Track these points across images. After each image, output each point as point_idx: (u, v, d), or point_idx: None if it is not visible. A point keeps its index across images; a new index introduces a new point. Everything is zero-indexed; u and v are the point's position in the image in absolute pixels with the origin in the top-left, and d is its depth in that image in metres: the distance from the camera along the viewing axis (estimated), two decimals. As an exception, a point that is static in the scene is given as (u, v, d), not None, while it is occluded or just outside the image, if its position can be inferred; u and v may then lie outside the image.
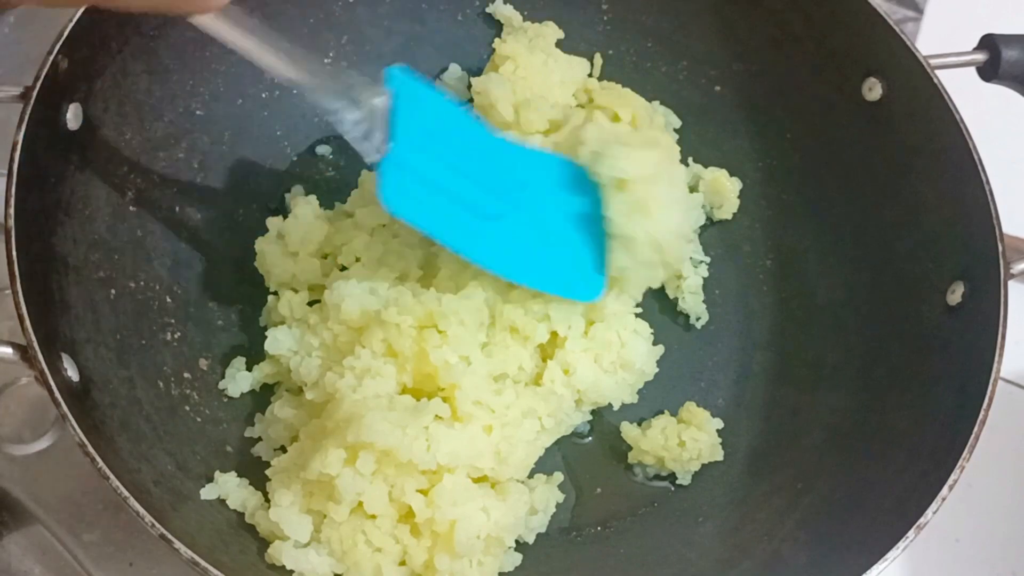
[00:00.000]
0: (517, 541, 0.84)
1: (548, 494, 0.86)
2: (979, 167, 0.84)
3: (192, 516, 0.77)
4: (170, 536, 0.67)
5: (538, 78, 0.97)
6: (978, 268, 0.83)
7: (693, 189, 1.02)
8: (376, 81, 0.80)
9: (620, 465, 0.92)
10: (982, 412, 0.76)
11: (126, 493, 0.68)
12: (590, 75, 1.02)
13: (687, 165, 1.02)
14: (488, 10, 1.05)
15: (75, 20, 0.78)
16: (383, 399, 0.79)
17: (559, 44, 1.03)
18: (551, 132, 0.95)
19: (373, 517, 0.77)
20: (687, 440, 0.88)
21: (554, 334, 0.87)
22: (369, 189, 0.92)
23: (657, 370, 0.92)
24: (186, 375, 0.87)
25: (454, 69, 1.04)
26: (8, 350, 0.70)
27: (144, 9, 0.68)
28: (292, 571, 0.77)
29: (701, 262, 0.99)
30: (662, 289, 0.98)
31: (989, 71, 0.90)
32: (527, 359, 0.86)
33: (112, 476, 0.68)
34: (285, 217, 0.91)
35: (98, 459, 0.68)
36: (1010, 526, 1.01)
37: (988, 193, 0.83)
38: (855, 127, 0.95)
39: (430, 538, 0.77)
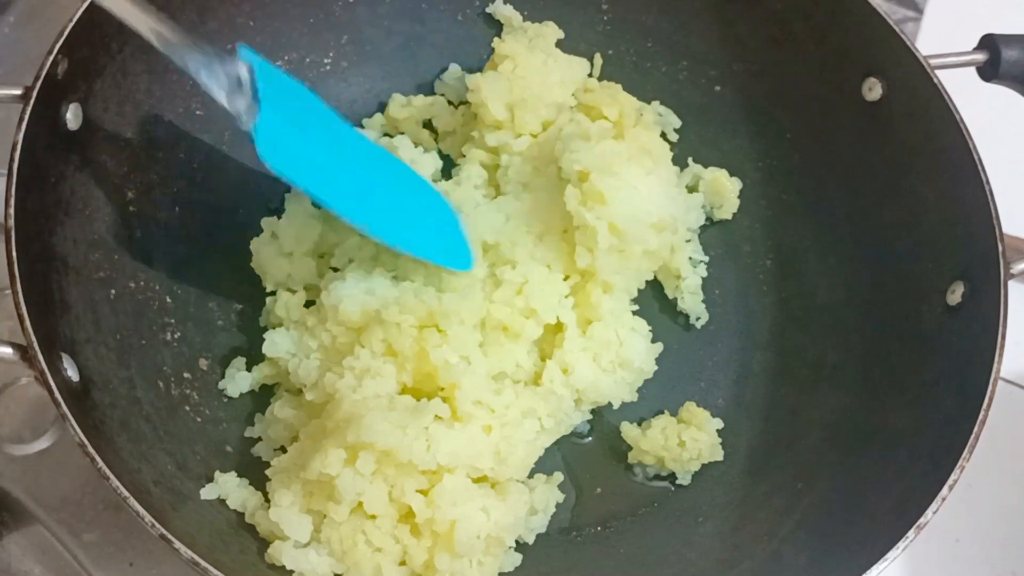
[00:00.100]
0: (517, 541, 0.84)
1: (548, 494, 0.86)
2: (979, 167, 0.84)
3: (192, 516, 0.77)
4: (170, 536, 0.67)
5: (537, 78, 0.97)
6: (978, 268, 0.83)
7: (693, 189, 1.02)
8: (231, 53, 0.80)
9: (620, 465, 0.92)
10: (982, 412, 0.76)
11: (126, 493, 0.68)
12: (590, 75, 1.02)
13: (687, 165, 1.02)
14: (488, 10, 1.05)
15: (75, 20, 0.78)
16: (383, 399, 0.79)
17: (559, 44, 1.02)
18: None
19: (373, 517, 0.77)
20: (687, 440, 0.88)
21: (550, 328, 0.87)
22: None
23: (656, 368, 0.92)
24: (186, 375, 0.87)
25: (454, 69, 1.04)
26: (8, 350, 0.70)
27: None
28: (292, 571, 0.77)
29: (700, 262, 0.99)
30: (661, 289, 0.98)
31: (989, 71, 0.90)
32: (524, 357, 0.86)
33: (112, 476, 0.68)
34: (280, 217, 0.92)
35: (98, 459, 0.68)
36: (1010, 526, 1.01)
37: (988, 193, 0.83)
38: (855, 127, 0.95)
39: (430, 538, 0.77)
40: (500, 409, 0.81)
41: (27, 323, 0.70)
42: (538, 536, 0.86)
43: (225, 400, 0.88)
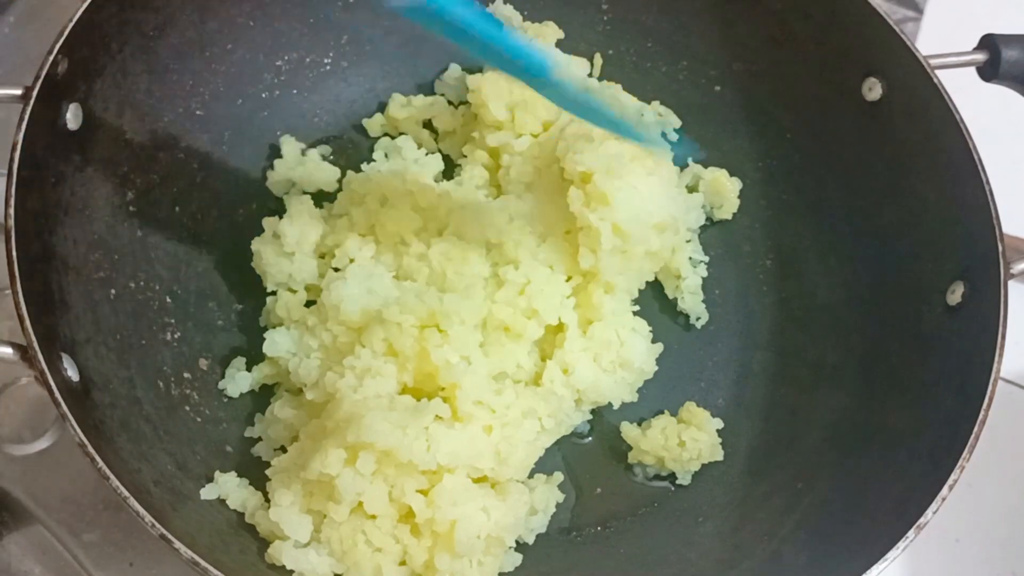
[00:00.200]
0: (517, 541, 0.84)
1: (548, 494, 0.86)
2: (979, 167, 0.84)
3: (192, 516, 0.77)
4: (170, 536, 0.67)
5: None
6: (978, 268, 0.83)
7: (693, 189, 1.02)
8: None
9: (620, 465, 0.91)
10: (982, 412, 0.76)
11: (126, 493, 0.68)
12: (590, 75, 1.02)
13: (686, 165, 1.02)
14: (488, 10, 1.05)
15: (75, 20, 0.78)
16: (383, 399, 0.79)
17: (559, 44, 1.03)
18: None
19: (373, 517, 0.77)
20: (687, 440, 0.88)
21: (550, 329, 0.87)
22: (356, 190, 0.92)
23: (656, 368, 0.92)
24: (186, 375, 0.87)
25: (454, 69, 1.04)
26: (8, 350, 0.70)
27: None
28: (292, 571, 0.77)
29: (700, 262, 0.99)
30: (662, 289, 0.98)
31: (989, 71, 0.90)
32: (524, 357, 0.86)
33: (112, 476, 0.68)
34: (282, 217, 0.92)
35: (98, 459, 0.68)
36: (1010, 526, 1.01)
37: (988, 193, 0.83)
38: (855, 127, 0.95)
39: (430, 538, 0.77)
40: (500, 409, 0.81)
41: (27, 323, 0.70)
42: (538, 536, 0.86)
43: (225, 400, 0.88)
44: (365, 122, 1.02)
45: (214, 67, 0.94)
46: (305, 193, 0.96)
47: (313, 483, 0.77)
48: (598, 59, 1.03)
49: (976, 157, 0.84)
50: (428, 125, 1.03)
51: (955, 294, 0.85)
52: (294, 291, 0.90)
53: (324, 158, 0.99)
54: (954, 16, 1.27)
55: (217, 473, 0.81)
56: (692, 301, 0.97)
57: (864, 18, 0.91)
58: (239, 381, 0.88)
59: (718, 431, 0.91)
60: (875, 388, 0.89)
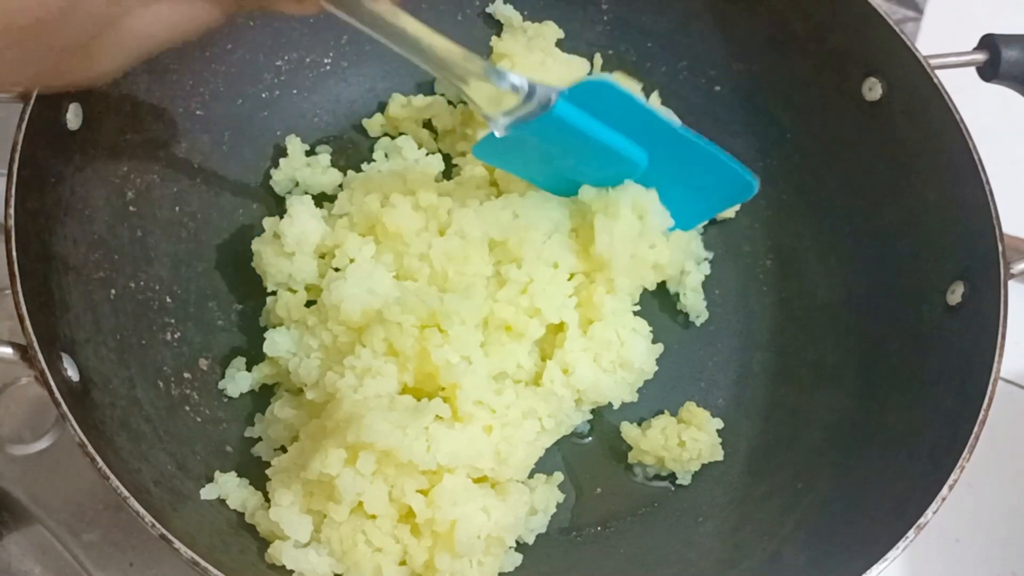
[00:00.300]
0: (517, 541, 0.84)
1: (548, 494, 0.86)
2: (979, 167, 0.84)
3: (192, 516, 0.77)
4: (170, 536, 0.67)
5: (536, 77, 0.97)
6: (978, 268, 0.83)
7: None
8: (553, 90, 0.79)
9: (620, 465, 0.91)
10: (982, 412, 0.76)
11: (126, 493, 0.68)
12: (589, 75, 1.02)
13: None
14: (488, 10, 1.05)
15: (75, 20, 0.78)
16: (383, 399, 0.79)
17: (559, 44, 1.03)
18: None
19: (373, 517, 0.77)
20: (687, 440, 0.88)
21: (551, 328, 0.87)
22: (357, 190, 0.92)
23: (657, 369, 0.92)
24: (186, 375, 0.87)
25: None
26: (8, 350, 0.70)
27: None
28: (292, 571, 0.76)
29: (704, 259, 0.99)
30: (661, 289, 0.98)
31: (989, 71, 0.90)
32: (524, 357, 0.86)
33: (112, 476, 0.68)
34: (282, 217, 0.92)
35: (98, 459, 0.68)
36: (1010, 526, 1.01)
37: (988, 193, 0.83)
38: (855, 127, 0.95)
39: (430, 538, 0.77)
40: (501, 409, 0.81)
41: (27, 323, 0.70)
42: (538, 536, 0.85)
43: (225, 400, 0.88)
44: (365, 122, 1.03)
45: (214, 67, 0.95)
46: (306, 193, 0.96)
47: (313, 483, 0.77)
48: (598, 59, 1.03)
49: (976, 157, 0.84)
50: (428, 125, 1.03)
51: (955, 294, 0.85)
52: (294, 291, 0.90)
53: (324, 158, 0.99)
54: (954, 16, 1.27)
55: (217, 473, 0.81)
56: (693, 298, 0.97)
57: (864, 18, 0.91)
58: (239, 381, 0.88)
59: (718, 431, 0.91)
60: (875, 388, 0.89)
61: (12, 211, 0.72)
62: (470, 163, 0.97)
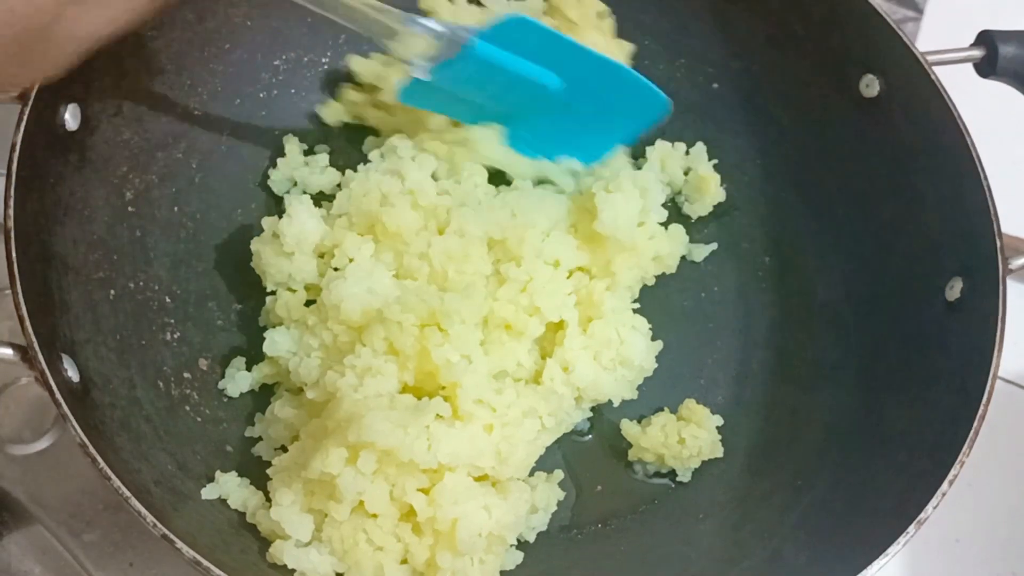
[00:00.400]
0: (518, 539, 0.84)
1: (549, 492, 0.86)
2: (977, 163, 0.84)
3: (193, 516, 0.77)
4: (172, 536, 0.67)
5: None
6: (977, 263, 0.83)
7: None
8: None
9: (620, 463, 0.92)
10: (981, 407, 0.76)
11: (127, 493, 0.68)
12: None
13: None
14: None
15: (73, 20, 0.78)
16: (384, 398, 0.79)
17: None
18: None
19: (374, 516, 0.77)
20: (687, 437, 0.88)
21: (550, 327, 0.88)
22: (355, 190, 0.92)
23: (656, 366, 0.92)
24: (186, 375, 0.87)
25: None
26: (8, 351, 0.70)
27: None
28: (293, 570, 0.76)
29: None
30: (662, 288, 0.98)
31: (986, 67, 0.90)
32: (524, 355, 0.86)
33: (114, 476, 0.68)
34: (281, 217, 0.92)
35: (99, 459, 0.68)
36: (1010, 526, 1.01)
37: (986, 189, 0.83)
38: (853, 124, 0.95)
39: (432, 536, 0.77)
40: (501, 408, 0.81)
41: (27, 323, 0.70)
42: (539, 534, 0.86)
43: (225, 400, 0.88)
44: (318, 108, 1.01)
45: (212, 67, 0.94)
46: (305, 193, 0.96)
47: (314, 482, 0.77)
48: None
49: (975, 154, 0.84)
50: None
51: (954, 290, 0.85)
52: (294, 291, 0.90)
53: (322, 158, 0.99)
54: (954, 16, 1.26)
55: (218, 473, 0.81)
56: (698, 252, 1.00)
57: (861, 15, 0.92)
58: (239, 381, 0.88)
59: (718, 428, 0.90)
60: (875, 385, 0.89)
61: (12, 212, 0.72)
62: (469, 163, 0.97)
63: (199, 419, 0.86)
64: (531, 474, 0.86)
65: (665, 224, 0.94)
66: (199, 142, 0.94)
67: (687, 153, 1.02)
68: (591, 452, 0.92)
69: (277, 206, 0.96)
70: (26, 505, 0.89)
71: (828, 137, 0.98)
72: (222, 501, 0.80)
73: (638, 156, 1.01)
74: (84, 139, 0.82)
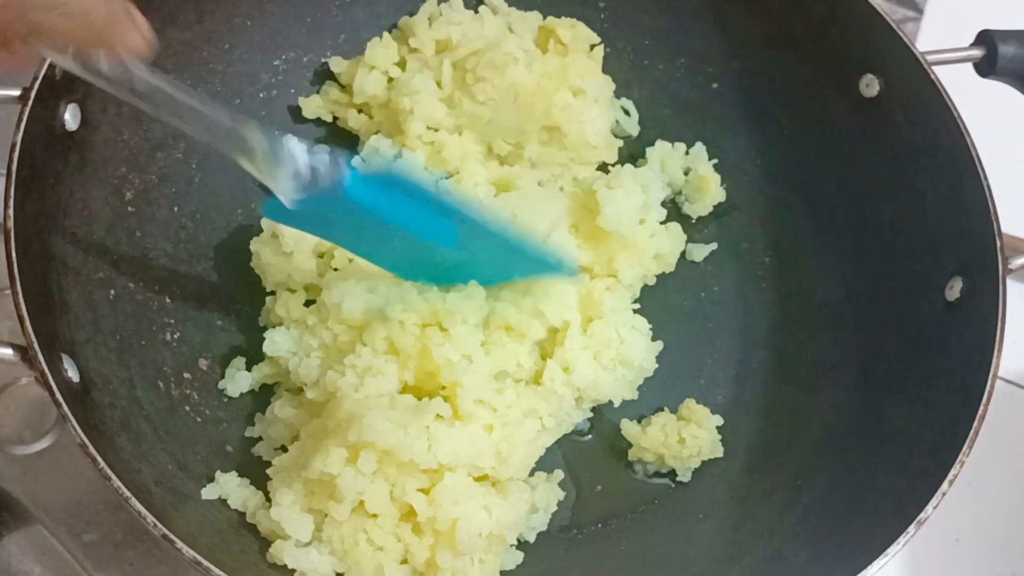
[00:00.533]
0: (518, 539, 0.84)
1: (549, 492, 0.86)
2: (977, 163, 0.84)
3: (193, 516, 0.77)
4: (172, 536, 0.67)
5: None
6: (976, 263, 0.83)
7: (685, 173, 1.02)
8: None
9: (620, 462, 0.92)
10: (982, 407, 0.76)
11: (128, 493, 0.68)
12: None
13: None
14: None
15: (73, 20, 0.78)
16: (384, 398, 0.79)
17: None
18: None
19: (375, 516, 0.77)
20: (687, 437, 0.88)
21: (552, 330, 0.88)
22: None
23: (657, 366, 0.92)
24: (186, 375, 0.87)
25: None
26: (8, 351, 0.70)
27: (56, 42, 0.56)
28: (294, 570, 0.77)
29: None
30: (662, 288, 0.98)
31: (986, 67, 0.90)
32: (525, 356, 0.86)
33: (114, 476, 0.68)
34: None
35: (99, 460, 0.68)
36: (1010, 526, 1.01)
37: (986, 188, 0.83)
38: (853, 124, 0.95)
39: (432, 536, 0.77)
40: (502, 408, 0.81)
41: (27, 324, 0.70)
42: (539, 534, 0.86)
43: (225, 400, 0.88)
44: (301, 100, 1.00)
45: (212, 67, 0.95)
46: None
47: (314, 482, 0.77)
48: (599, 52, 1.03)
49: (974, 153, 0.84)
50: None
51: (954, 290, 0.85)
52: (293, 291, 0.90)
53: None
54: (954, 16, 1.26)
55: (218, 473, 0.81)
56: (698, 252, 1.00)
57: (861, 15, 0.92)
58: (239, 381, 0.88)
59: (718, 428, 0.91)
60: (875, 385, 0.89)
61: (12, 212, 0.72)
62: (467, 160, 0.97)
63: (199, 419, 0.86)
64: (531, 474, 0.86)
65: (664, 223, 0.94)
66: (199, 143, 0.94)
67: (687, 153, 1.02)
68: (591, 452, 0.92)
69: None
70: (26, 505, 0.89)
71: (828, 137, 0.98)
72: (222, 501, 0.80)
73: (637, 157, 1.02)
74: (84, 139, 0.82)
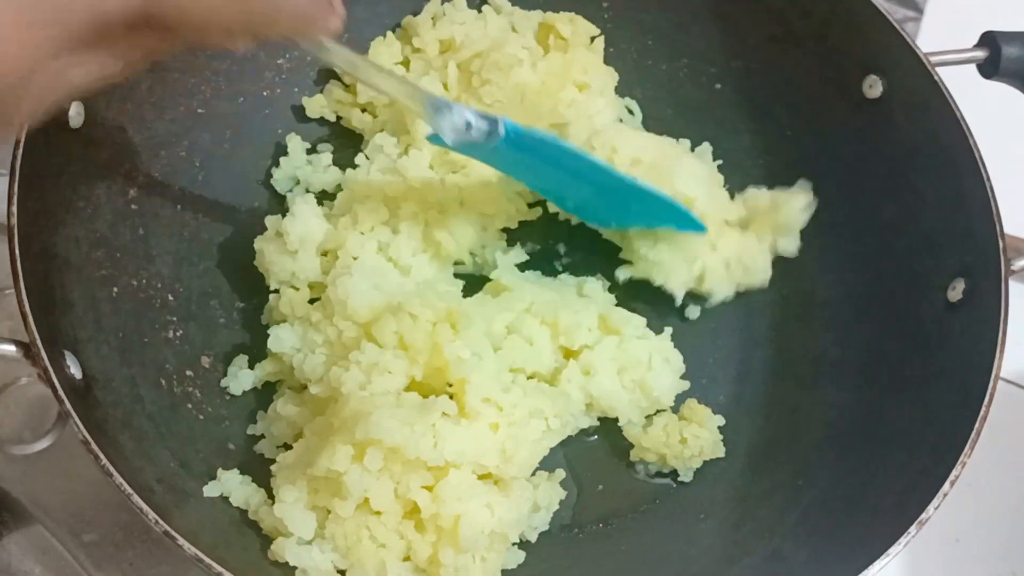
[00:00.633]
0: (520, 538, 0.84)
1: (550, 491, 0.86)
2: (979, 164, 0.84)
3: (195, 514, 0.77)
4: (174, 533, 0.67)
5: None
6: (978, 264, 0.83)
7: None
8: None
9: (622, 462, 0.91)
10: (983, 408, 0.77)
11: (130, 490, 0.68)
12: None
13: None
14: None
15: (76, 18, 0.78)
16: (390, 396, 0.79)
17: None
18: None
19: (378, 513, 0.77)
20: (688, 437, 0.88)
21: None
22: (356, 190, 0.92)
23: (672, 404, 0.92)
24: (188, 373, 0.87)
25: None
26: (11, 348, 0.70)
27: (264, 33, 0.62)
28: (295, 567, 0.76)
29: None
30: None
31: (989, 68, 0.90)
32: (547, 353, 0.87)
33: (116, 473, 0.68)
34: (284, 215, 0.91)
35: (102, 457, 0.68)
36: (1010, 526, 1.01)
37: (988, 189, 0.84)
38: (855, 124, 0.95)
39: (435, 533, 0.77)
40: (508, 407, 0.81)
41: (30, 321, 0.70)
42: (540, 533, 0.86)
43: (227, 398, 0.88)
44: (304, 100, 1.01)
45: (215, 65, 0.94)
46: (307, 191, 0.96)
47: (319, 479, 0.77)
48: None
49: (977, 154, 0.85)
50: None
51: (955, 290, 0.85)
52: (297, 289, 0.90)
53: (325, 156, 0.99)
54: (954, 16, 1.27)
55: (220, 470, 0.81)
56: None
57: (864, 15, 0.92)
58: (241, 379, 0.88)
59: (719, 428, 0.91)
60: (876, 384, 0.89)
61: (15, 209, 0.72)
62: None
63: (201, 417, 0.86)
64: (533, 473, 0.86)
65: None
66: (202, 140, 0.94)
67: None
68: (593, 452, 0.92)
69: (280, 205, 0.96)
70: (26, 505, 0.89)
71: (830, 137, 0.98)
72: (224, 499, 0.80)
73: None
74: (87, 137, 0.82)
